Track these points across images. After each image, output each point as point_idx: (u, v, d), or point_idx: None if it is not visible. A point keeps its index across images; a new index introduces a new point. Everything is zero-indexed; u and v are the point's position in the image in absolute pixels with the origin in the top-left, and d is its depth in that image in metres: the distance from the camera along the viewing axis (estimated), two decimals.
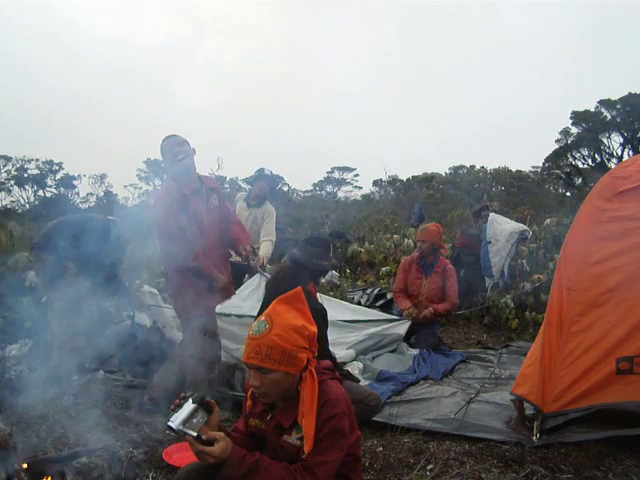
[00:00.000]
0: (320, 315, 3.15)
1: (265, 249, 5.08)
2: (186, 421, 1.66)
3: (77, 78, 56.46)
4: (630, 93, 21.08)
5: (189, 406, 1.69)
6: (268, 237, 5.23)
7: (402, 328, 4.76)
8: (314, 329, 1.82)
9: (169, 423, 1.65)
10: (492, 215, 6.82)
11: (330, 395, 1.75)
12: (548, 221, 7.87)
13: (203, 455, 1.62)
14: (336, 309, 4.87)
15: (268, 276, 4.66)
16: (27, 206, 22.03)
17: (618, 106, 21.51)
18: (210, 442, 1.64)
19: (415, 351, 4.54)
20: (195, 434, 1.64)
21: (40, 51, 55.85)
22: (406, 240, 9.03)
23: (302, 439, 1.72)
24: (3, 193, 23.18)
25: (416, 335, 4.90)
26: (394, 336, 4.65)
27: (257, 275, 4.78)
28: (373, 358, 4.35)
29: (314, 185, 29.50)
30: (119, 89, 56.94)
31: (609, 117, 21.78)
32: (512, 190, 16.61)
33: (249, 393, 1.91)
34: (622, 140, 21.93)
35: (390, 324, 4.85)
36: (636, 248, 2.84)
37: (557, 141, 22.78)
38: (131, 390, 3.71)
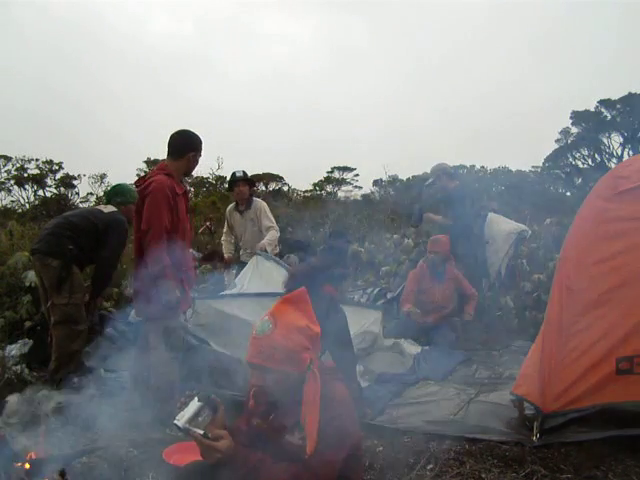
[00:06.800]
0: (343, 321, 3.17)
1: (270, 236, 5.22)
2: (192, 419, 1.66)
3: (77, 78, 56.48)
4: (630, 93, 21.14)
5: (195, 404, 1.70)
6: (270, 227, 5.34)
7: (374, 324, 4.49)
8: (317, 329, 1.82)
9: (175, 421, 1.66)
10: (491, 215, 6.77)
11: (333, 396, 1.75)
12: (548, 221, 7.87)
13: (210, 451, 1.62)
14: None
15: (270, 256, 4.71)
16: (27, 206, 21.99)
17: (618, 106, 21.56)
18: (215, 439, 1.64)
19: (416, 350, 4.52)
20: (202, 432, 1.64)
21: (39, 50, 55.84)
22: (406, 240, 9.03)
23: (304, 439, 1.71)
24: (3, 193, 23.17)
25: (431, 334, 5.01)
26: (370, 335, 4.40)
27: (252, 258, 4.81)
28: (368, 354, 4.28)
29: (314, 185, 29.45)
30: (119, 89, 56.96)
31: (609, 117, 21.82)
32: (512, 190, 16.64)
33: (251, 392, 1.91)
34: (622, 140, 21.99)
35: (363, 321, 4.45)
36: (636, 248, 2.84)
37: (557, 141, 22.88)
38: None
